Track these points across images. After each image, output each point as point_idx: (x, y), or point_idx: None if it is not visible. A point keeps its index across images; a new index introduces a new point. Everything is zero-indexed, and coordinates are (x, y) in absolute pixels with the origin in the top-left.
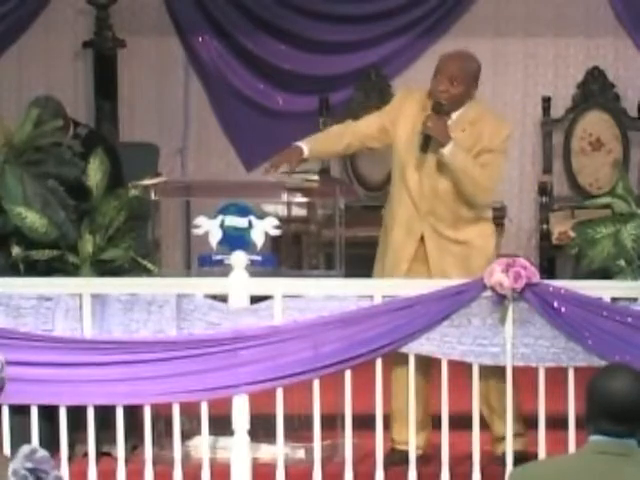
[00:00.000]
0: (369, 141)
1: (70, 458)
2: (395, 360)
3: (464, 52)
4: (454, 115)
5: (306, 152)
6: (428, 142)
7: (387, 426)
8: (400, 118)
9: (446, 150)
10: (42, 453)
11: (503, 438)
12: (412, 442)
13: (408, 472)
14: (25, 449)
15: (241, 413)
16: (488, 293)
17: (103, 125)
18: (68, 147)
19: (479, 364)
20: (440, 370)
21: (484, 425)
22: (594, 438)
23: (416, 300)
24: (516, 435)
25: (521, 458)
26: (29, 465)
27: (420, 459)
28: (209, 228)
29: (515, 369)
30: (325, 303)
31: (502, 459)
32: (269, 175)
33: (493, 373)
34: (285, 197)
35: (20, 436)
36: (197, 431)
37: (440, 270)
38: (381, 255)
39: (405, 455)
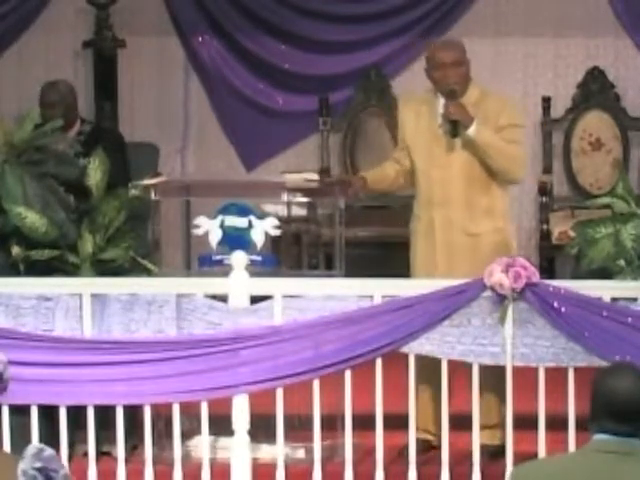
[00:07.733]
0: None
1: (70, 458)
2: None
3: (448, 39)
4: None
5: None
6: (456, 127)
7: (388, 426)
8: (405, 128)
9: (471, 130)
10: (49, 452)
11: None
12: (412, 442)
13: (408, 472)
14: (32, 449)
15: (241, 413)
16: (488, 293)
17: (103, 125)
18: (70, 146)
19: (479, 364)
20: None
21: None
22: (598, 437)
23: (416, 300)
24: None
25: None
26: (38, 464)
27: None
28: (209, 228)
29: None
30: (325, 303)
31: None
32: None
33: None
34: (285, 197)
35: (20, 436)
36: (197, 431)
37: (447, 264)
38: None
39: (425, 444)
